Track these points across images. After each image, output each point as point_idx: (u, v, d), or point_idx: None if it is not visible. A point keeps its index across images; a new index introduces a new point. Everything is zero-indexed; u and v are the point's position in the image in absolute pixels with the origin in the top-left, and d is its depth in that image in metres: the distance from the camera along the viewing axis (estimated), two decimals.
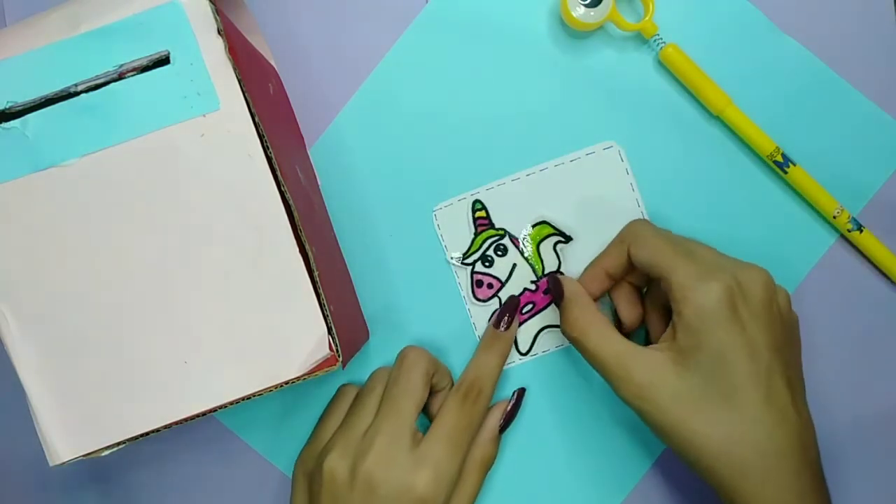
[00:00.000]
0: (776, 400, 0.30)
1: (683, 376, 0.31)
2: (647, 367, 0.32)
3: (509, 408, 0.38)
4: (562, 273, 0.38)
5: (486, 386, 0.36)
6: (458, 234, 0.39)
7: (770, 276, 0.32)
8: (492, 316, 0.38)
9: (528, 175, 0.39)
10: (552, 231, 0.39)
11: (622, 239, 0.35)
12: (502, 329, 0.37)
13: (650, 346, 0.33)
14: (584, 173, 0.39)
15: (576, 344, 0.34)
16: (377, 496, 0.32)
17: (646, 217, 0.39)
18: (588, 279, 0.37)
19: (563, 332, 0.35)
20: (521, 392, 0.38)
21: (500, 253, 0.39)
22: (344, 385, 0.39)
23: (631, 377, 0.32)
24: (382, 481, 0.32)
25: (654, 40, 0.38)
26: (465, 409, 0.35)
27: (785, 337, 0.32)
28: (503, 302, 0.38)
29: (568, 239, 0.39)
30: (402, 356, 0.36)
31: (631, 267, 0.35)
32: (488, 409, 0.37)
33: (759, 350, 0.30)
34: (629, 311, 0.36)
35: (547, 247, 0.39)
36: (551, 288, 0.37)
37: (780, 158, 0.37)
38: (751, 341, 0.30)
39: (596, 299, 0.36)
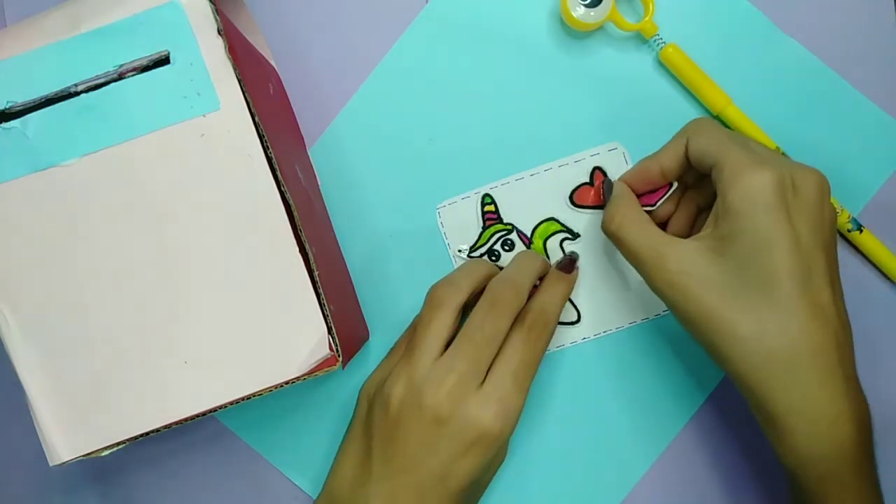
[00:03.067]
0: (815, 296, 0.29)
1: (719, 262, 0.30)
2: (682, 254, 0.31)
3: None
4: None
5: (550, 321, 0.34)
6: (461, 231, 0.39)
7: (827, 182, 0.31)
8: (557, 263, 0.37)
9: (531, 175, 0.39)
10: (560, 228, 0.39)
11: (683, 132, 0.34)
12: (567, 272, 0.36)
13: (689, 238, 0.32)
14: (588, 174, 0.39)
15: (613, 238, 0.34)
16: (444, 430, 0.32)
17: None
18: (640, 171, 0.36)
19: (603, 229, 0.35)
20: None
21: (507, 248, 0.39)
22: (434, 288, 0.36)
23: (664, 265, 0.31)
24: (450, 416, 0.32)
25: (654, 40, 0.38)
26: (531, 344, 0.34)
27: (831, 241, 0.31)
28: (568, 255, 0.38)
29: (575, 236, 0.39)
30: (490, 290, 0.34)
31: (686, 166, 0.34)
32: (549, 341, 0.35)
33: (802, 244, 0.29)
34: (677, 218, 0.36)
35: (554, 243, 0.39)
36: (605, 192, 0.37)
37: None
38: (795, 234, 0.29)
39: (645, 193, 0.36)
